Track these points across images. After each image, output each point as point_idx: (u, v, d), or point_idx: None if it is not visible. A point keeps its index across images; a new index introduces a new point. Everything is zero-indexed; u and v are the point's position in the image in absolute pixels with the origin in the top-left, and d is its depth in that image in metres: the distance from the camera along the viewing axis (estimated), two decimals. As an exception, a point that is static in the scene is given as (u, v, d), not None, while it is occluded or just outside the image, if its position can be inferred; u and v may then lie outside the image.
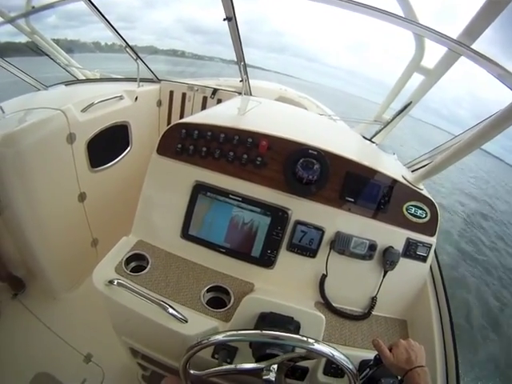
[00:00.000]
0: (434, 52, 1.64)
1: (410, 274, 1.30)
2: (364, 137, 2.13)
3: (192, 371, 0.94)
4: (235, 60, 2.26)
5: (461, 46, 1.20)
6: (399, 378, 0.89)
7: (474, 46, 1.19)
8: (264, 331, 0.88)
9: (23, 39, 2.57)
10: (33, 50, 2.58)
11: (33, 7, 2.21)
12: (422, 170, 1.33)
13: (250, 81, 2.49)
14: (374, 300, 1.29)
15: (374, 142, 2.08)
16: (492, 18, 1.22)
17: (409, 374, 0.83)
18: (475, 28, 1.23)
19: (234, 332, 0.87)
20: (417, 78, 1.79)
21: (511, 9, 1.20)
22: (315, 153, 1.20)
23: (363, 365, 1.08)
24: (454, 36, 1.26)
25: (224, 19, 1.84)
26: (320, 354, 0.82)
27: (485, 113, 1.11)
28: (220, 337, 0.85)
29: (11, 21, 2.30)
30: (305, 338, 0.83)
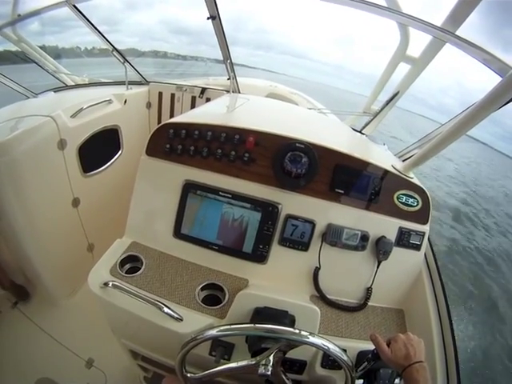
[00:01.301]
0: (420, 40, 1.65)
1: (405, 262, 1.30)
2: (354, 129, 2.13)
3: (189, 374, 0.94)
4: (220, 59, 2.27)
5: (445, 33, 1.21)
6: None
7: (458, 33, 1.20)
8: (257, 324, 0.88)
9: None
10: (20, 57, 2.59)
11: (19, 15, 2.20)
12: (411, 158, 1.33)
13: (240, 79, 2.48)
14: (369, 291, 1.29)
15: (363, 134, 2.09)
16: (475, 4, 1.22)
17: (407, 370, 0.82)
18: (459, 14, 1.23)
19: (228, 326, 0.88)
20: (403, 68, 1.80)
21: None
22: (302, 146, 1.20)
23: (361, 356, 1.08)
24: (440, 23, 1.26)
25: (208, 18, 1.83)
26: (315, 347, 0.83)
27: (471, 101, 1.11)
28: (214, 332, 0.85)
29: (-3, 30, 2.30)
30: (297, 331, 0.84)
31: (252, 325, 0.91)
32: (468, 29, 1.24)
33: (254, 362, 0.88)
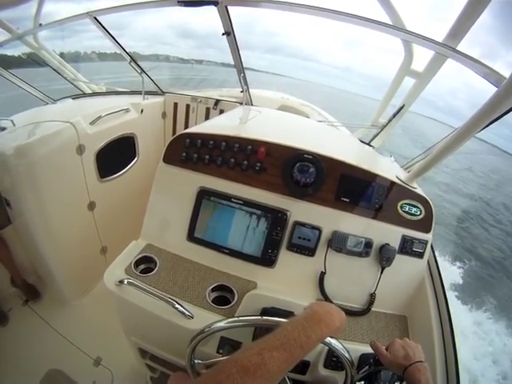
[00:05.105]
0: (425, 53, 1.66)
1: (408, 270, 1.33)
2: (362, 141, 2.17)
3: (196, 361, 0.99)
4: (225, 62, 2.30)
5: (446, 49, 1.26)
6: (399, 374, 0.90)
7: (462, 43, 1.25)
8: (264, 317, 0.94)
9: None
10: (40, 64, 2.68)
11: (40, 24, 2.30)
12: (413, 169, 1.37)
13: (253, 90, 2.54)
14: (372, 296, 1.32)
15: (372, 146, 2.13)
16: (474, 18, 1.27)
17: (408, 370, 0.82)
18: (459, 29, 1.28)
19: (235, 318, 0.93)
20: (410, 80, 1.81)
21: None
22: (310, 157, 1.26)
23: (363, 358, 1.11)
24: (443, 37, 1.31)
25: (223, 34, 1.92)
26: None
27: (481, 103, 1.05)
28: (222, 323, 0.91)
29: (20, 37, 2.40)
30: None
31: (259, 317, 0.96)
32: (480, 29, 1.27)
33: None
